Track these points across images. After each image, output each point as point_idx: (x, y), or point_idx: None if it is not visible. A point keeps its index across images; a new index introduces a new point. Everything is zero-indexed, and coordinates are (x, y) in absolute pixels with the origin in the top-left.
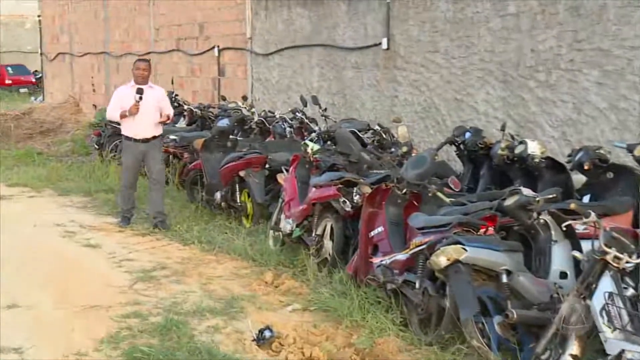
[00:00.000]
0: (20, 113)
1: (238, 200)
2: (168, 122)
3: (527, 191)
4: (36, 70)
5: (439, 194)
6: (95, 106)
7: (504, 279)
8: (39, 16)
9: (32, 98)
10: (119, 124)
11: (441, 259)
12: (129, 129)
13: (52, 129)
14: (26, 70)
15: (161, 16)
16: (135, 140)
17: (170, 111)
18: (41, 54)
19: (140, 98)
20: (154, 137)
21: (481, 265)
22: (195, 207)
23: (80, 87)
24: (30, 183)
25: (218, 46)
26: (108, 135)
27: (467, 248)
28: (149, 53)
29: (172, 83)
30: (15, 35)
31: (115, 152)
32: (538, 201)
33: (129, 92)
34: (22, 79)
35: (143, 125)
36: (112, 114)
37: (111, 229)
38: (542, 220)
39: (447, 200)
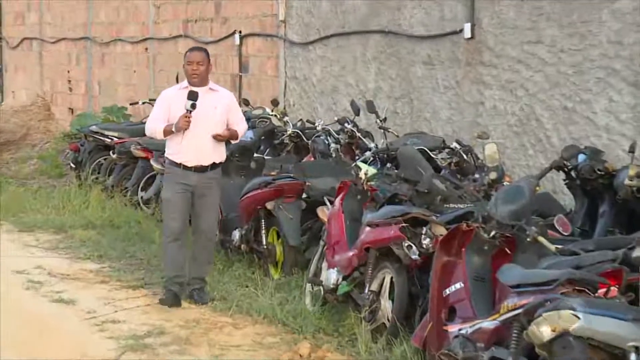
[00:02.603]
0: None
1: (264, 242)
2: (235, 141)
3: None
4: None
5: (541, 238)
6: (72, 110)
7: (633, 358)
8: None
9: None
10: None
11: (544, 329)
12: (175, 151)
13: (13, 141)
14: None
15: None
16: (185, 167)
17: (241, 126)
18: (0, 38)
19: (193, 106)
20: (214, 166)
21: (600, 340)
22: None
23: (51, 85)
24: None
25: (240, 32)
26: (89, 151)
27: (580, 315)
28: (146, 39)
29: (177, 81)
30: None
31: (99, 172)
32: None
33: (180, 97)
34: None
35: (197, 147)
36: (153, 127)
37: (91, 278)
38: None
39: (553, 247)
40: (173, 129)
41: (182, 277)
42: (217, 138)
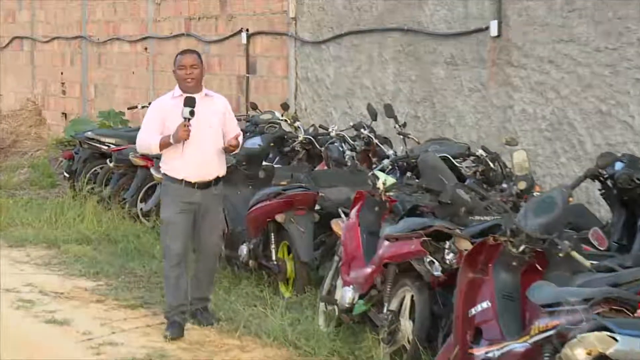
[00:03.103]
0: None
1: (273, 258)
2: (235, 150)
3: None
4: None
5: (574, 253)
6: (65, 115)
7: None
8: None
9: None
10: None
11: (578, 352)
12: (174, 165)
13: (1, 149)
14: None
15: None
16: (187, 184)
17: (239, 131)
18: None
19: (192, 114)
20: (217, 181)
21: None
22: None
23: (44, 87)
24: None
25: (247, 30)
26: (84, 159)
27: (617, 337)
28: (145, 38)
29: None
30: None
31: (95, 182)
32: None
33: (174, 106)
34: None
35: (199, 159)
36: (146, 141)
37: (86, 297)
38: None
39: (587, 263)
40: (171, 140)
41: (186, 305)
42: (229, 149)
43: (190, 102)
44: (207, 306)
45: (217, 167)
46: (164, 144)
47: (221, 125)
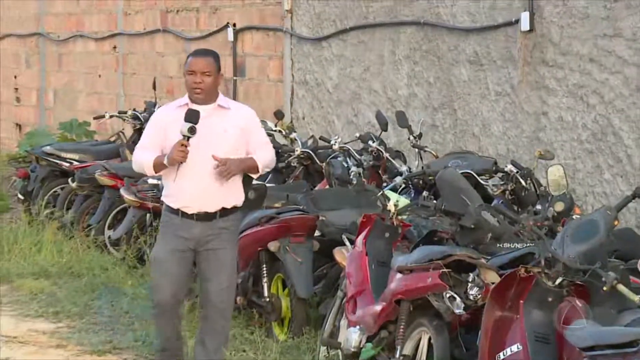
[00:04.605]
0: None
1: (265, 294)
2: (255, 175)
3: None
4: None
5: (621, 287)
6: (19, 127)
7: None
8: None
9: None
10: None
11: None
12: (170, 191)
13: None
14: None
15: None
16: (185, 215)
17: (263, 153)
18: None
19: (192, 131)
20: (224, 212)
21: None
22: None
23: None
24: None
25: (234, 25)
26: (42, 178)
27: None
28: (114, 35)
29: (154, 88)
30: None
31: (54, 205)
32: None
33: (177, 117)
34: None
35: (198, 186)
36: (140, 158)
37: (44, 342)
38: None
39: (637, 298)
40: (165, 162)
41: (177, 350)
42: (222, 174)
43: (192, 117)
44: None
45: (224, 196)
46: (159, 165)
47: (239, 143)
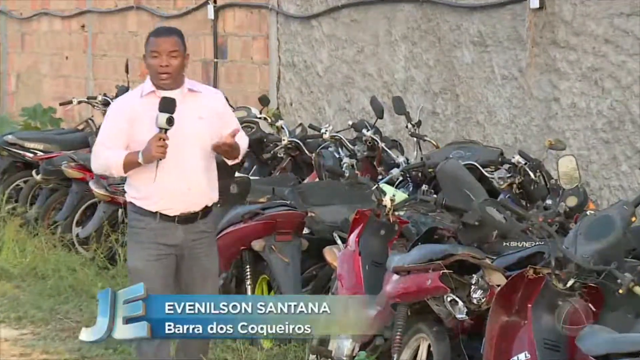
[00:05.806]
0: None
1: None
2: (234, 162)
3: None
4: None
5: (638, 289)
6: None
7: None
8: None
9: None
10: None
11: None
12: (146, 192)
13: None
14: None
15: None
16: (164, 218)
17: (244, 143)
18: None
19: (171, 122)
20: (205, 213)
21: None
22: None
23: None
24: None
25: (214, 1)
26: (3, 170)
27: None
28: (82, 13)
29: (127, 71)
30: None
31: (17, 200)
32: None
33: (144, 109)
34: None
35: (180, 185)
36: (104, 158)
37: (5, 350)
38: None
39: None
40: (139, 160)
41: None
42: (224, 149)
43: (167, 106)
44: None
45: (206, 193)
46: (130, 164)
47: (214, 130)
